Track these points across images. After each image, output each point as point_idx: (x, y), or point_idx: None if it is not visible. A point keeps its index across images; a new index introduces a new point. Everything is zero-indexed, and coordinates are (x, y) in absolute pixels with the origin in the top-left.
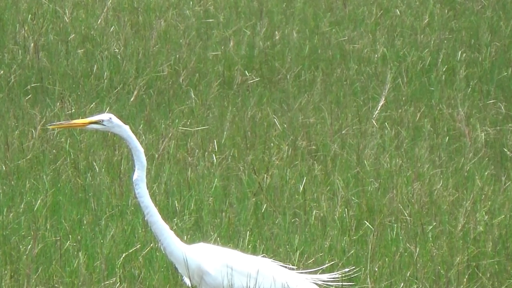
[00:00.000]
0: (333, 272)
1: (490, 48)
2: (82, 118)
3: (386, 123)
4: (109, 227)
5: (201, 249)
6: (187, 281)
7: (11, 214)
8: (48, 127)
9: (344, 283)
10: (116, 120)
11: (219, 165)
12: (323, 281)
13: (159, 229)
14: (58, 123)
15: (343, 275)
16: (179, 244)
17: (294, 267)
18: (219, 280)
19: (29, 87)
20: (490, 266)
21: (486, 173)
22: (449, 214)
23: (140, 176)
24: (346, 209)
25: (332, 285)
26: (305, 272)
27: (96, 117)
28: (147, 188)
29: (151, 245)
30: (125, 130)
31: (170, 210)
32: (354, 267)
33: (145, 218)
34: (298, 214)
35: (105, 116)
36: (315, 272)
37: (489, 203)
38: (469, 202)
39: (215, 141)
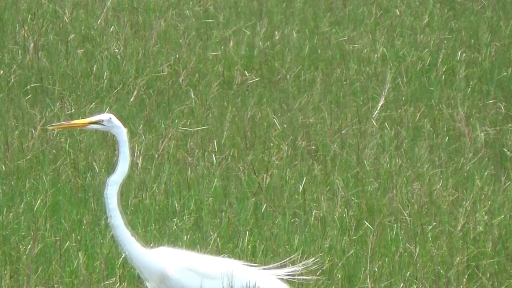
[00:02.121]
0: (297, 265)
1: (490, 48)
2: (82, 118)
3: (386, 123)
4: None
5: (163, 253)
6: (149, 286)
7: (11, 214)
8: (48, 127)
9: (306, 277)
10: (116, 121)
11: (219, 165)
12: (288, 275)
13: (122, 233)
14: (58, 123)
15: (305, 267)
16: (142, 249)
17: (256, 264)
18: (181, 284)
19: (29, 87)
20: (490, 266)
21: (486, 173)
22: (449, 214)
23: (116, 179)
24: (346, 209)
25: (305, 280)
26: (268, 268)
27: (96, 117)
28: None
29: (151, 245)
30: (123, 133)
31: (170, 210)
32: (314, 258)
33: (108, 221)
34: (298, 214)
35: (105, 116)
36: (278, 267)
37: (489, 203)
38: (469, 202)
39: (215, 141)
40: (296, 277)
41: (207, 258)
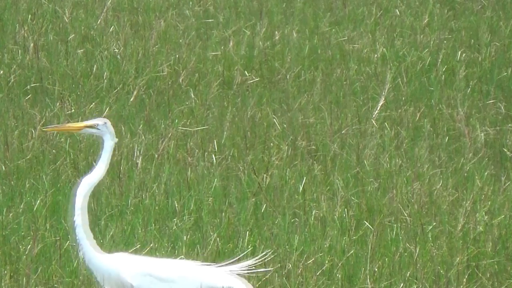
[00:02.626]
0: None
1: (489, 48)
2: (79, 121)
3: (385, 123)
4: (109, 227)
5: (120, 258)
6: None
7: (11, 214)
8: (44, 129)
9: (258, 270)
10: (110, 127)
11: (218, 165)
12: (241, 270)
13: (82, 233)
14: (53, 126)
15: (260, 259)
16: (98, 252)
17: (214, 264)
18: None
19: (28, 87)
20: (490, 266)
21: (486, 173)
22: (449, 214)
23: (90, 181)
24: (345, 209)
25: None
26: (224, 265)
27: (92, 121)
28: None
29: (151, 245)
30: (112, 141)
31: (169, 210)
32: (270, 250)
33: (73, 218)
34: (298, 214)
35: (100, 120)
36: (234, 263)
37: (489, 203)
38: (469, 202)
39: (214, 141)
40: (250, 270)
41: (164, 262)
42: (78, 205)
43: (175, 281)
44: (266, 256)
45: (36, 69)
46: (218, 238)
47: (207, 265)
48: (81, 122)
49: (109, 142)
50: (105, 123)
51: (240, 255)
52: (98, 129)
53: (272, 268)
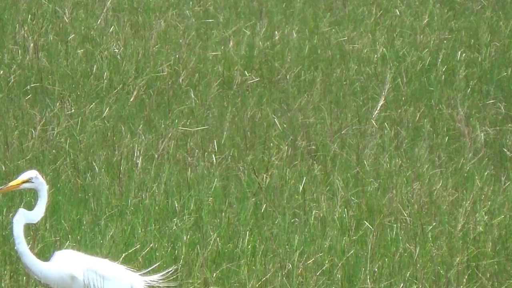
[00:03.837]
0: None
1: (489, 48)
2: (14, 180)
3: (385, 123)
4: (109, 227)
5: (65, 258)
6: None
7: (10, 214)
8: None
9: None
10: (40, 178)
11: (218, 165)
12: (153, 281)
13: (28, 259)
14: None
15: (168, 274)
16: (48, 264)
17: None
18: (86, 284)
19: (28, 87)
20: (489, 266)
21: (485, 173)
22: (448, 214)
23: (27, 216)
24: (345, 209)
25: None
26: (141, 274)
27: (25, 175)
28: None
29: (151, 245)
30: (45, 189)
31: (169, 210)
32: (176, 266)
33: (16, 247)
34: (298, 214)
35: (31, 173)
36: (147, 274)
37: (489, 203)
38: (468, 202)
39: (214, 141)
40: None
41: (103, 261)
42: (16, 234)
43: (110, 279)
44: (171, 272)
45: (36, 69)
46: (218, 238)
47: (130, 270)
48: (16, 180)
49: (43, 192)
50: (36, 175)
51: (152, 267)
52: (32, 182)
53: (175, 285)
